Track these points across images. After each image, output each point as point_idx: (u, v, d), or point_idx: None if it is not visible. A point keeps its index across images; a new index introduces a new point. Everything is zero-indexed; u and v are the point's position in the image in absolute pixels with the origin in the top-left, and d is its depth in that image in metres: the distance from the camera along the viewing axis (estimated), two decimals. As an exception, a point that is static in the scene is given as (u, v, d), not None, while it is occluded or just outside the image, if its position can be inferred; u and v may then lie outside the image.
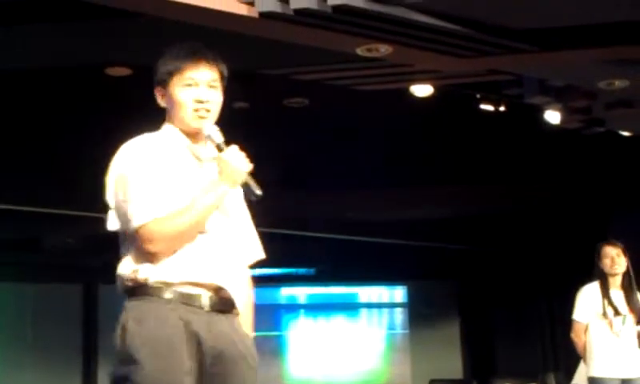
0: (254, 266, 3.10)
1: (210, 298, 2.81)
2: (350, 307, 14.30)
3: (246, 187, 2.86)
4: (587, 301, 6.50)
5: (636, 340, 6.43)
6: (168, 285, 2.77)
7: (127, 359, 2.71)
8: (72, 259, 11.37)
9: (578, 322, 6.54)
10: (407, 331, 14.00)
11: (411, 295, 14.06)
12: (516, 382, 9.99)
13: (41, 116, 7.67)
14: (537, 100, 6.98)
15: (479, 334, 13.41)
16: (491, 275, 13.02)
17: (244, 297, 2.99)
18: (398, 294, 14.35)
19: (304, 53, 5.78)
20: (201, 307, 2.78)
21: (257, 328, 3.06)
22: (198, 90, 2.89)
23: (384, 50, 5.48)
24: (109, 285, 11.04)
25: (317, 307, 14.23)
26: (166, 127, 2.96)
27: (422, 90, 7.13)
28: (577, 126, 7.47)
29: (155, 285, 2.77)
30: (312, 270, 13.57)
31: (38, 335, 11.65)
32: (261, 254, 3.11)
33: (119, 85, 6.85)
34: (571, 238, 10.57)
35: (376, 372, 13.85)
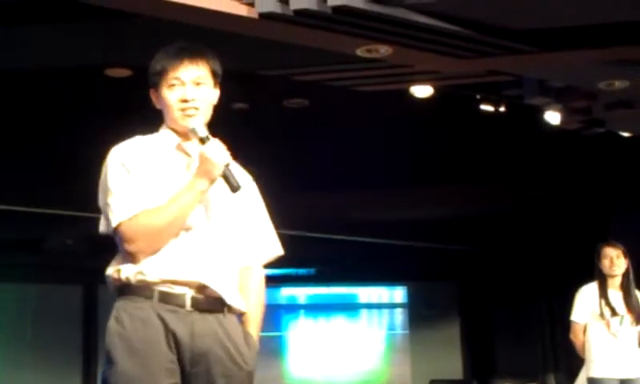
0: (271, 265, 3.07)
1: (193, 296, 2.77)
2: (350, 307, 14.29)
3: (225, 180, 2.80)
4: (585, 301, 6.51)
5: (635, 340, 6.44)
6: (149, 284, 2.75)
7: (108, 358, 2.74)
8: (72, 260, 11.36)
9: (576, 322, 6.55)
10: (407, 331, 13.99)
11: (411, 296, 14.06)
12: (516, 383, 9.99)
13: (41, 116, 7.67)
14: (537, 101, 6.98)
15: (479, 335, 13.40)
16: (491, 275, 13.02)
17: (251, 295, 2.96)
18: (398, 294, 14.34)
19: (304, 54, 5.78)
20: (182, 306, 2.75)
21: (257, 328, 3.01)
22: (184, 89, 2.87)
23: (384, 50, 5.48)
24: (109, 285, 10.88)
25: (317, 307, 14.23)
26: (162, 128, 2.95)
27: (421, 91, 7.14)
28: (577, 126, 7.47)
29: (136, 284, 2.76)
30: (312, 271, 13.56)
31: (38, 335, 11.65)
32: (278, 251, 3.06)
33: (119, 86, 6.85)
34: (571, 239, 10.57)
35: (376, 372, 13.84)
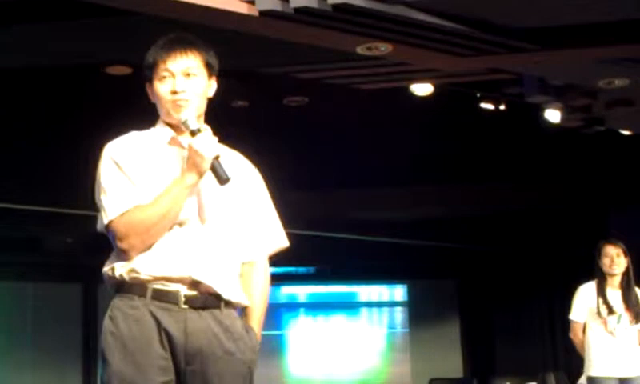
0: (271, 263, 3.04)
1: (187, 293, 2.73)
2: (350, 306, 14.29)
3: (213, 172, 2.74)
4: (584, 300, 6.51)
5: (635, 339, 6.43)
6: (142, 281, 2.72)
7: (102, 358, 2.73)
8: (71, 259, 11.36)
9: (575, 321, 6.55)
10: (407, 330, 13.98)
11: (411, 294, 14.05)
12: (516, 381, 9.98)
13: (40, 114, 7.67)
14: (537, 99, 6.98)
15: (479, 333, 13.40)
16: (491, 274, 13.02)
17: (254, 289, 2.94)
18: (398, 292, 14.33)
19: (304, 51, 5.78)
20: (175, 303, 2.72)
21: (257, 327, 2.99)
22: (174, 80, 2.82)
23: (384, 48, 5.48)
24: (109, 284, 10.89)
25: (317, 306, 14.22)
26: (157, 123, 2.92)
27: (422, 89, 7.13)
28: (577, 124, 7.47)
29: (130, 282, 2.73)
30: (312, 269, 13.56)
31: (37, 334, 11.64)
32: (283, 242, 3.03)
33: (119, 83, 6.85)
34: (571, 237, 10.58)
35: (376, 371, 13.84)
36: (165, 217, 2.71)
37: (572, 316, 6.56)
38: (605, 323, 6.39)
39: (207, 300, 2.76)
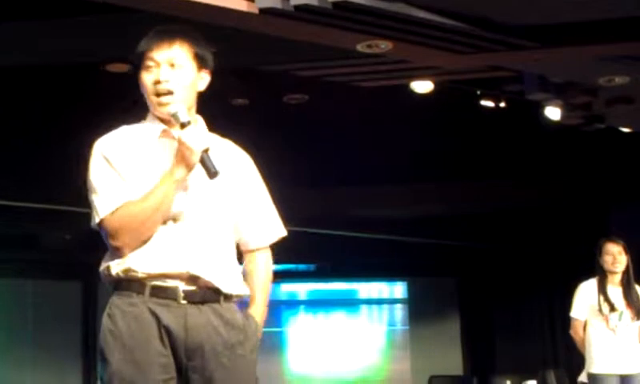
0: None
1: (185, 289, 2.70)
2: (350, 303, 14.30)
3: (202, 165, 2.70)
4: (585, 298, 6.51)
5: (636, 336, 6.44)
6: (139, 278, 2.68)
7: (101, 357, 2.70)
8: (71, 256, 11.36)
9: (575, 319, 6.56)
10: (407, 327, 13.99)
11: (411, 291, 14.06)
12: (516, 379, 9.98)
13: (38, 112, 7.66)
14: (537, 96, 6.97)
15: (479, 331, 13.41)
16: (491, 272, 13.03)
17: (255, 278, 2.91)
18: (398, 290, 14.34)
19: (304, 49, 5.78)
20: (174, 299, 2.69)
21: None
22: (158, 70, 2.77)
23: (384, 46, 5.48)
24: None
25: (317, 303, 14.23)
26: (148, 115, 2.87)
27: (422, 87, 7.13)
28: (577, 122, 7.46)
29: (126, 279, 2.70)
30: (312, 266, 13.57)
31: (36, 332, 11.64)
32: (280, 232, 2.99)
33: (118, 81, 6.84)
34: (572, 235, 10.58)
35: (376, 368, 13.85)
36: (155, 212, 2.67)
37: (573, 313, 6.57)
38: (606, 320, 6.40)
39: (206, 294, 2.73)
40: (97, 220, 2.72)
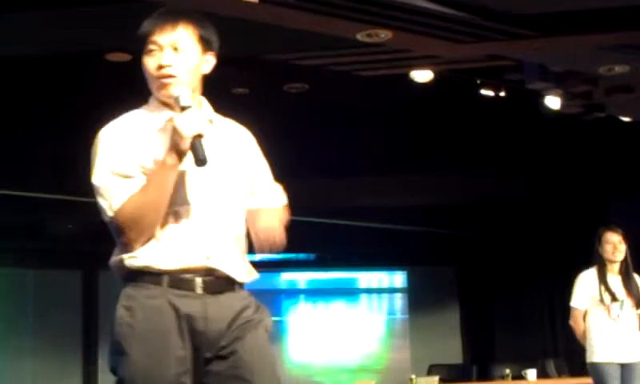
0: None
1: (204, 279, 2.65)
2: (349, 292, 14.31)
3: (192, 151, 2.58)
4: (585, 287, 6.52)
5: (636, 324, 6.46)
6: (156, 271, 2.62)
7: (117, 350, 2.65)
8: (72, 245, 11.37)
9: (575, 308, 6.56)
10: (407, 316, 14.01)
11: (411, 281, 14.07)
12: (515, 368, 9.99)
13: (41, 101, 7.67)
14: (537, 85, 6.97)
15: (479, 320, 13.43)
16: (491, 261, 13.04)
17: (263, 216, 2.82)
18: (398, 279, 14.36)
19: (304, 38, 5.78)
20: (193, 290, 2.64)
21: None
22: (161, 54, 2.68)
23: (384, 35, 5.49)
24: (109, 271, 11.04)
25: (317, 292, 14.24)
26: (151, 100, 2.79)
27: (422, 76, 7.13)
28: (577, 111, 7.47)
29: (143, 272, 2.63)
30: (312, 256, 13.58)
31: (37, 321, 11.66)
32: (284, 200, 2.90)
33: (119, 70, 6.85)
34: (572, 225, 10.59)
35: (376, 357, 13.87)
36: (154, 205, 2.60)
37: (573, 303, 6.57)
38: (608, 310, 6.41)
39: (222, 284, 2.69)
40: (105, 219, 2.67)
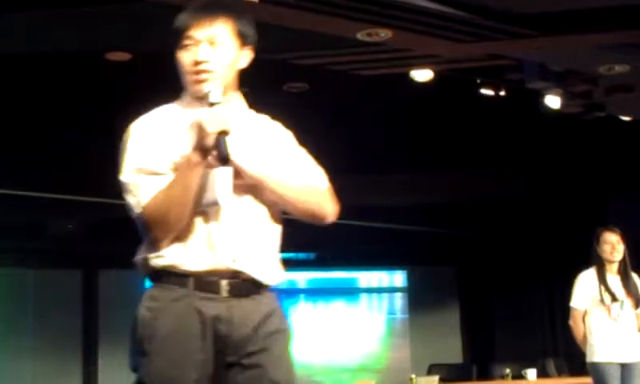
0: None
1: (229, 282, 2.59)
2: (350, 292, 14.30)
3: (215, 149, 2.51)
4: (585, 288, 6.52)
5: (635, 324, 6.46)
6: (181, 272, 2.57)
7: (138, 350, 2.58)
8: (72, 245, 11.37)
9: (575, 308, 6.56)
10: (407, 316, 14.01)
11: (411, 280, 14.07)
12: (515, 368, 9.99)
13: (41, 101, 7.66)
14: (537, 85, 6.97)
15: (479, 320, 13.43)
16: (491, 261, 13.04)
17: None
18: (398, 278, 14.35)
19: (304, 38, 5.77)
20: (217, 293, 2.58)
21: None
22: (197, 49, 2.61)
23: (384, 34, 5.48)
24: (109, 271, 11.03)
25: (317, 292, 14.23)
26: (184, 95, 2.72)
27: (422, 75, 7.13)
28: (577, 110, 7.47)
29: (168, 272, 2.58)
30: (312, 255, 13.57)
31: (37, 321, 11.65)
32: (325, 183, 2.87)
33: (119, 70, 6.84)
34: (572, 224, 10.58)
35: (376, 356, 13.87)
36: (179, 202, 2.53)
37: (573, 303, 6.57)
38: (608, 310, 6.41)
39: (248, 287, 2.63)
40: (133, 216, 2.61)
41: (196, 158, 2.52)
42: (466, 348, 13.50)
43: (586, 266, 6.59)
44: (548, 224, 11.51)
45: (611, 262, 6.50)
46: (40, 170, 8.49)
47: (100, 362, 11.74)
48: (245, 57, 2.75)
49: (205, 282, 2.58)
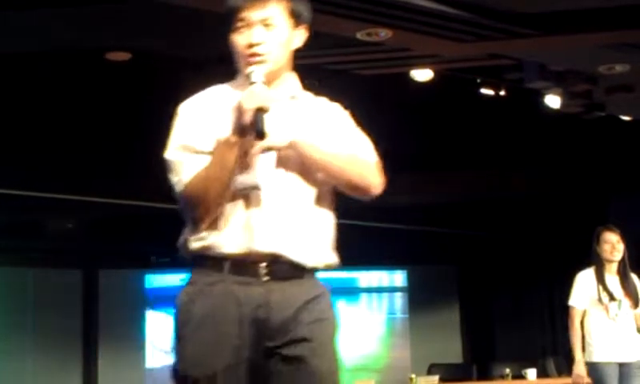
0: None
1: (268, 265, 2.52)
2: (349, 291, 14.29)
3: (252, 126, 2.46)
4: (583, 287, 6.52)
5: (633, 324, 6.46)
6: (218, 255, 2.52)
7: (175, 334, 2.56)
8: (72, 245, 11.37)
9: (573, 306, 6.56)
10: (407, 316, 14.00)
11: (411, 280, 14.06)
12: (515, 367, 9.99)
13: (40, 100, 7.66)
14: (537, 85, 6.98)
15: (479, 319, 13.43)
16: (491, 260, 13.04)
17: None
18: (398, 278, 14.35)
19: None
20: (255, 276, 2.52)
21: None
22: (251, 31, 2.56)
23: (384, 34, 5.48)
24: (109, 270, 11.03)
25: (317, 292, 14.22)
26: (239, 76, 2.66)
27: (422, 75, 7.13)
28: (577, 110, 7.47)
29: (205, 256, 2.55)
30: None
31: (37, 320, 11.65)
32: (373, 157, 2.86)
33: (119, 69, 6.84)
34: (572, 224, 10.59)
35: (376, 356, 13.87)
36: (217, 181, 2.49)
37: (571, 302, 6.57)
38: (606, 310, 6.41)
39: (289, 271, 2.56)
40: (175, 194, 2.57)
41: (235, 136, 2.49)
42: (466, 348, 13.50)
43: (586, 265, 6.59)
44: (548, 223, 11.51)
45: (611, 261, 6.50)
46: (40, 170, 8.50)
47: (100, 361, 11.74)
48: (299, 36, 2.68)
49: (242, 266, 2.53)
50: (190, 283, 2.58)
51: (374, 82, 7.12)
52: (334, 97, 2.82)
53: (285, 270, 2.55)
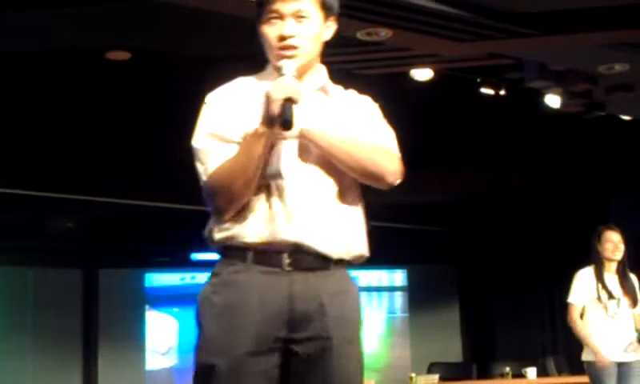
0: None
1: (291, 255, 2.50)
2: (349, 291, 14.30)
3: (279, 115, 2.45)
4: (582, 285, 6.53)
5: (632, 324, 6.47)
6: (241, 244, 2.51)
7: (196, 323, 2.54)
8: (72, 244, 11.36)
9: (572, 304, 6.57)
10: (407, 315, 14.00)
11: (411, 279, 14.06)
12: (515, 366, 9.99)
13: (40, 100, 7.66)
14: (537, 84, 6.98)
15: (479, 319, 13.43)
16: (491, 260, 13.04)
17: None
18: (398, 277, 14.35)
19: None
20: (279, 266, 2.49)
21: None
22: (282, 24, 2.54)
23: (384, 34, 5.48)
24: (109, 270, 11.03)
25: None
26: (268, 67, 2.67)
27: (422, 74, 7.13)
28: (577, 110, 7.47)
29: (229, 246, 2.53)
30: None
31: (37, 320, 11.64)
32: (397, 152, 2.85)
33: (119, 69, 6.84)
34: (572, 223, 10.59)
35: (376, 355, 13.86)
36: (242, 172, 2.47)
37: (570, 299, 6.58)
38: (605, 308, 6.42)
39: (313, 261, 2.53)
40: (201, 183, 2.56)
41: (263, 126, 2.47)
42: (466, 347, 13.50)
43: (586, 265, 6.60)
44: (548, 223, 11.51)
45: (611, 260, 6.51)
46: (40, 170, 8.49)
47: (100, 361, 11.73)
48: (329, 29, 2.68)
49: (265, 255, 2.51)
50: (213, 275, 2.56)
51: (374, 82, 7.11)
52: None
53: (309, 260, 2.52)
